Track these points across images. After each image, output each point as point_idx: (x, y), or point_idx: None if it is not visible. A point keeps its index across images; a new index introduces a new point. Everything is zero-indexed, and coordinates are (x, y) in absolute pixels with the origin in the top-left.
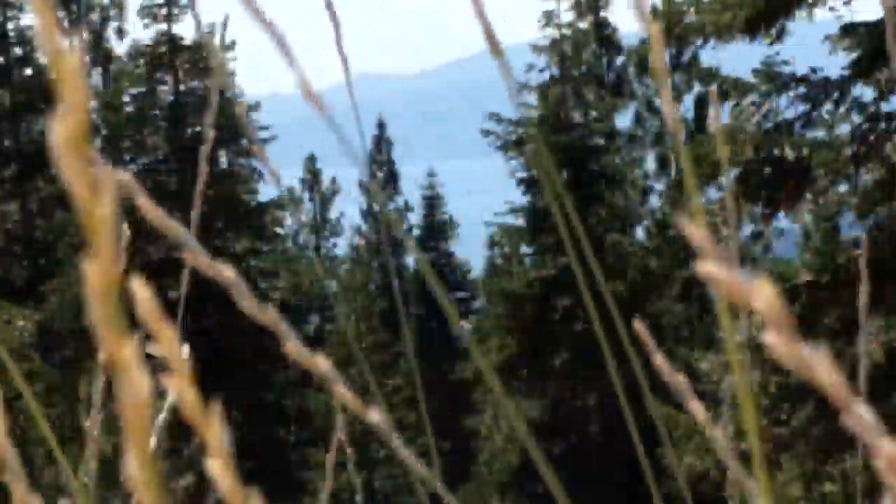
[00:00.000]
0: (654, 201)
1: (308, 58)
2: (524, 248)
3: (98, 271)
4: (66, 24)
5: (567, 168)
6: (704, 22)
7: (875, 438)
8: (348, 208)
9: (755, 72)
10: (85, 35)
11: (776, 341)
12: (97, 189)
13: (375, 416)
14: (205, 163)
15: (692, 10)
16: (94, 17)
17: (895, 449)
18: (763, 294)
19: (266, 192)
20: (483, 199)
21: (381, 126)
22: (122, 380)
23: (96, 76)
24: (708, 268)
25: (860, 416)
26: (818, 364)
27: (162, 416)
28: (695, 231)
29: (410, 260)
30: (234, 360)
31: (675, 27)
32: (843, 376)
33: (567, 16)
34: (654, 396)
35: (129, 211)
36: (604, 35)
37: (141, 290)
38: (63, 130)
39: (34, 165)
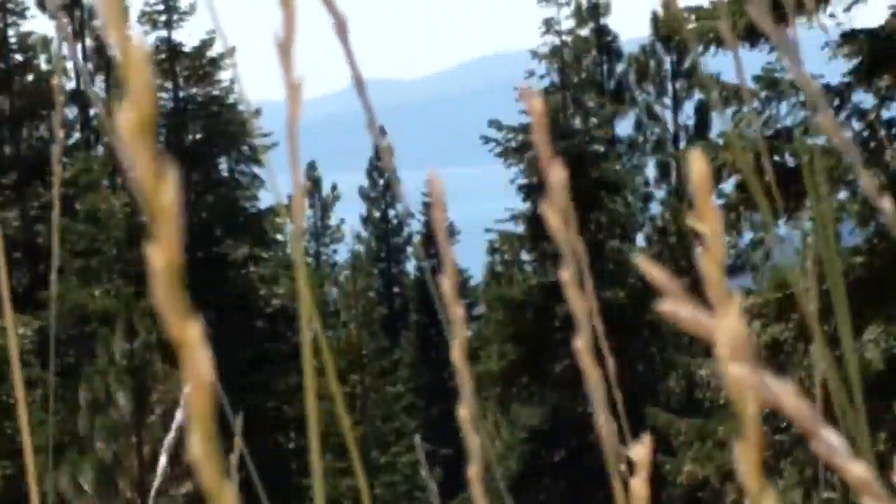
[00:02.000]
0: (654, 208)
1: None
2: (524, 255)
3: (161, 254)
4: (69, 30)
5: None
6: (705, 29)
7: (844, 462)
8: (348, 215)
9: (755, 78)
10: (88, 41)
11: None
12: (160, 175)
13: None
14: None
15: (693, 17)
16: (97, 22)
17: (864, 472)
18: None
19: (266, 198)
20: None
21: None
22: (187, 360)
23: (99, 82)
24: (669, 306)
25: (828, 441)
26: (783, 394)
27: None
28: (655, 271)
29: (411, 266)
30: (232, 367)
31: (676, 34)
32: (811, 402)
33: (568, 23)
34: (655, 403)
35: (128, 216)
36: (604, 42)
37: None
38: (130, 118)
39: (34, 172)
